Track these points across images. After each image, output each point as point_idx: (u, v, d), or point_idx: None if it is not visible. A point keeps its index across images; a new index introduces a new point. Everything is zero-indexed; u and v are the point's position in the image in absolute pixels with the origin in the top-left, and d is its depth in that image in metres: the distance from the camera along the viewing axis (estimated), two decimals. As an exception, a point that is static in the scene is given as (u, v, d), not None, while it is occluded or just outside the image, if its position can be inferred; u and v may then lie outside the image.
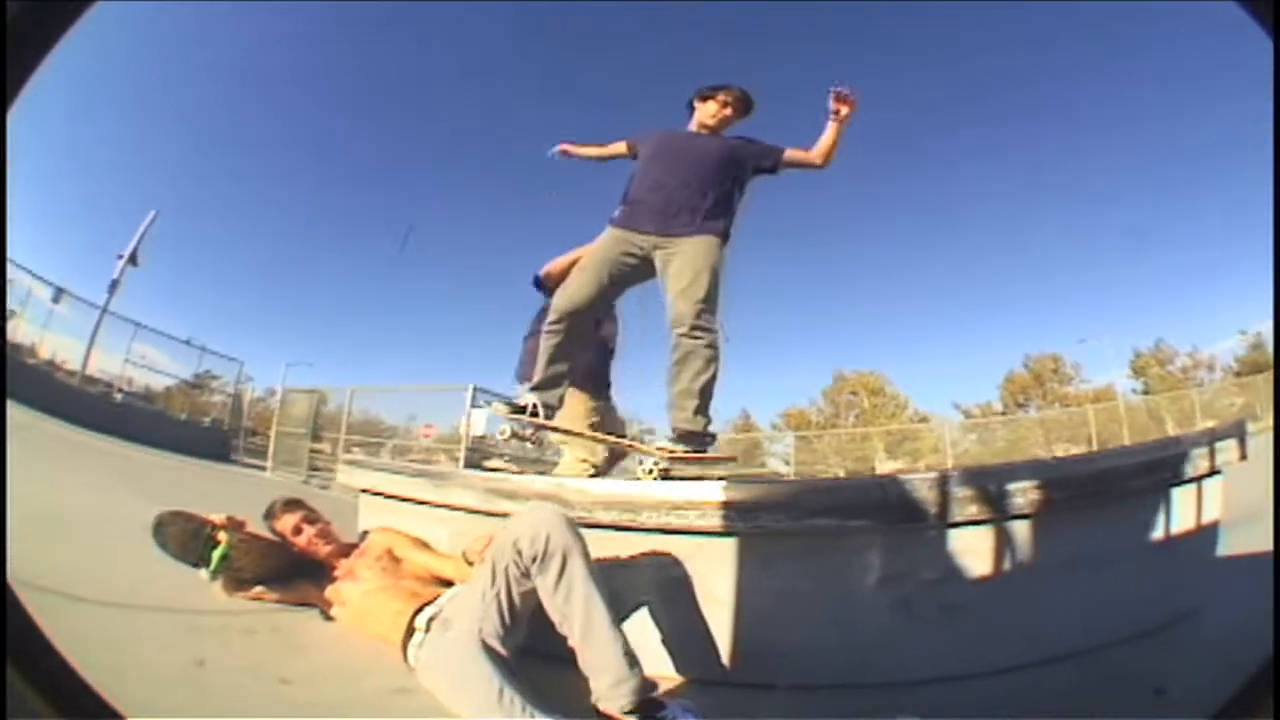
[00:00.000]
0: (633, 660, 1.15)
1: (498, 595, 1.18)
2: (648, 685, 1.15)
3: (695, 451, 1.82)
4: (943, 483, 1.28)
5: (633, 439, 2.20)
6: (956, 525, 1.33)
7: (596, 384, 2.39)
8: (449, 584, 1.46)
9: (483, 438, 6.68)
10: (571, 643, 1.18)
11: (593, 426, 2.25)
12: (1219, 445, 1.57)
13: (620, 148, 2.31)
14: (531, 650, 1.27)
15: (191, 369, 8.96)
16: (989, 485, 1.29)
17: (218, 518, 1.56)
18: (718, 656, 1.34)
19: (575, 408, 2.26)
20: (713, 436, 1.92)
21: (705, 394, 1.88)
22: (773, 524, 1.25)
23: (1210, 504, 1.60)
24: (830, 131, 2.04)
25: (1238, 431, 1.62)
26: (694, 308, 1.86)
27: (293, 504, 1.65)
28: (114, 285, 8.76)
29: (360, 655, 1.45)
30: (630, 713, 1.11)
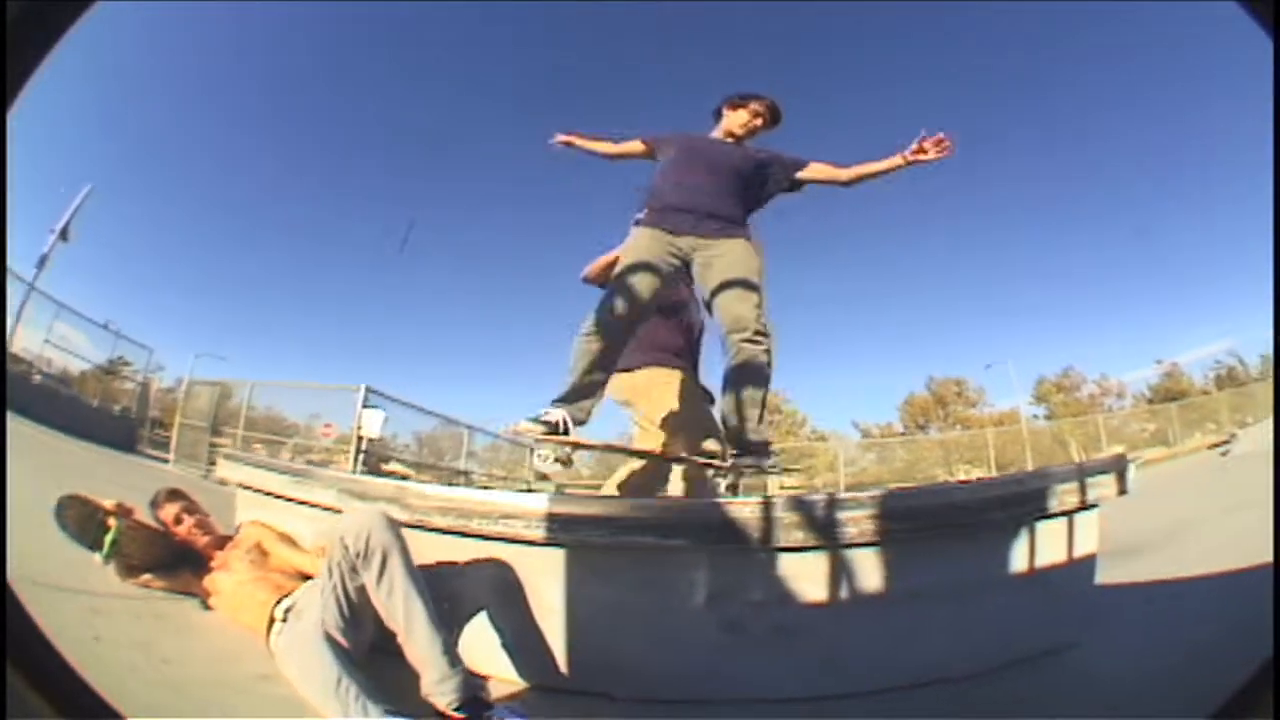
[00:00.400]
0: (454, 658, 1.39)
1: (334, 589, 1.44)
2: (471, 684, 1.39)
3: (770, 466, 2.07)
4: (767, 509, 1.50)
5: (705, 453, 2.34)
6: (792, 550, 1.54)
7: (696, 369, 2.67)
8: (310, 578, 1.70)
9: (377, 439, 7.30)
10: (399, 639, 1.42)
11: (704, 413, 2.50)
12: (1094, 480, 1.76)
13: (635, 146, 2.56)
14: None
15: (106, 354, 9.49)
16: (815, 514, 1.50)
17: (109, 503, 1.85)
18: (555, 664, 1.58)
19: (693, 401, 2.50)
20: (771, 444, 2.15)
21: (765, 403, 2.12)
22: (594, 538, 1.50)
23: (1085, 538, 1.79)
24: (888, 164, 2.28)
25: (1116, 466, 1.81)
26: (755, 312, 2.10)
27: (175, 494, 1.96)
28: (43, 261, 9.61)
29: (234, 643, 1.72)
30: (458, 709, 1.35)
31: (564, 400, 2.13)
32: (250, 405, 9.22)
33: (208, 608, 1.90)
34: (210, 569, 1.87)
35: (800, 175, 2.43)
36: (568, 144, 2.58)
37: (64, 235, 8.83)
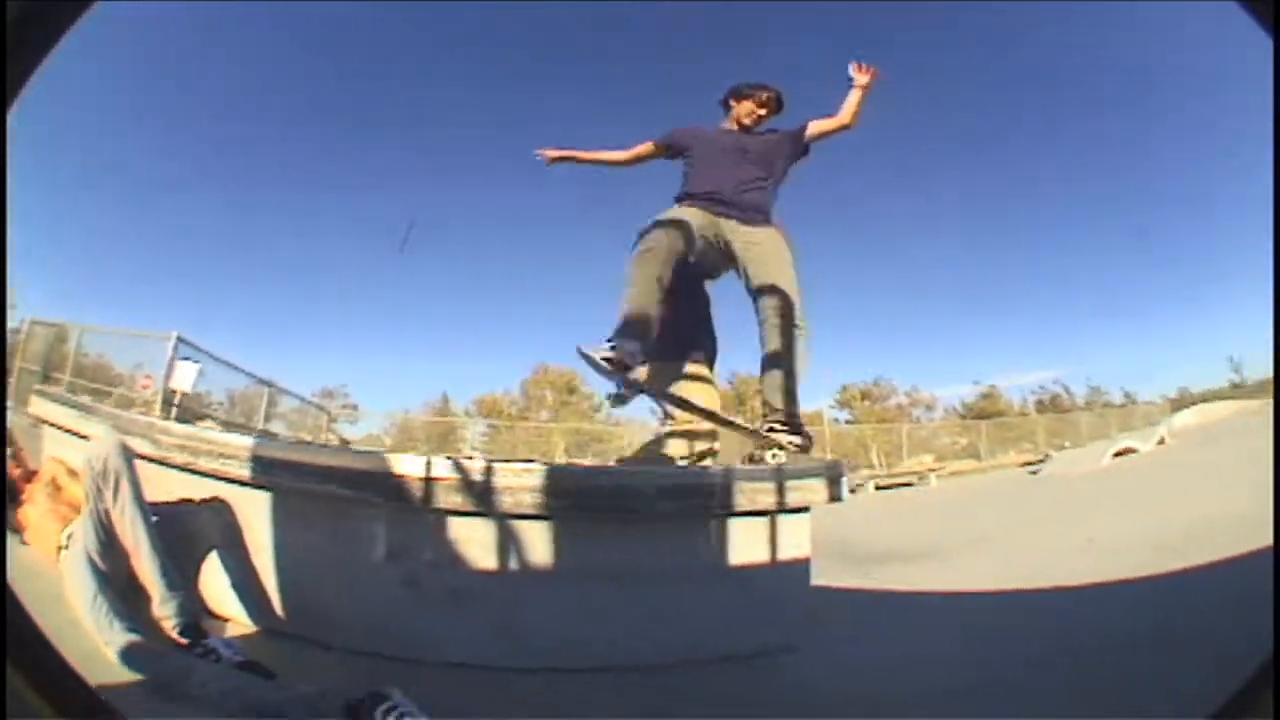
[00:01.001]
0: (173, 582, 1.78)
1: (91, 513, 1.86)
2: (189, 610, 1.79)
3: (806, 445, 2.68)
4: (429, 468, 1.84)
5: (757, 429, 2.80)
6: (456, 514, 1.89)
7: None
8: (92, 508, 2.20)
9: (190, 394, 7.73)
10: (132, 562, 1.82)
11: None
12: (799, 484, 2.04)
13: (645, 148, 3.25)
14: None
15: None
16: (474, 479, 1.84)
17: None
18: (272, 607, 1.96)
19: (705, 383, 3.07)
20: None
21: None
22: (288, 482, 1.90)
23: (792, 541, 2.06)
24: (855, 95, 3.01)
25: (829, 472, 2.09)
26: (798, 300, 2.78)
27: None
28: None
29: (40, 568, 2.15)
30: (180, 633, 1.76)
31: (625, 333, 2.63)
32: (83, 351, 10.06)
33: (24, 542, 2.31)
34: (21, 503, 2.47)
35: (809, 138, 3.12)
36: (563, 159, 3.26)
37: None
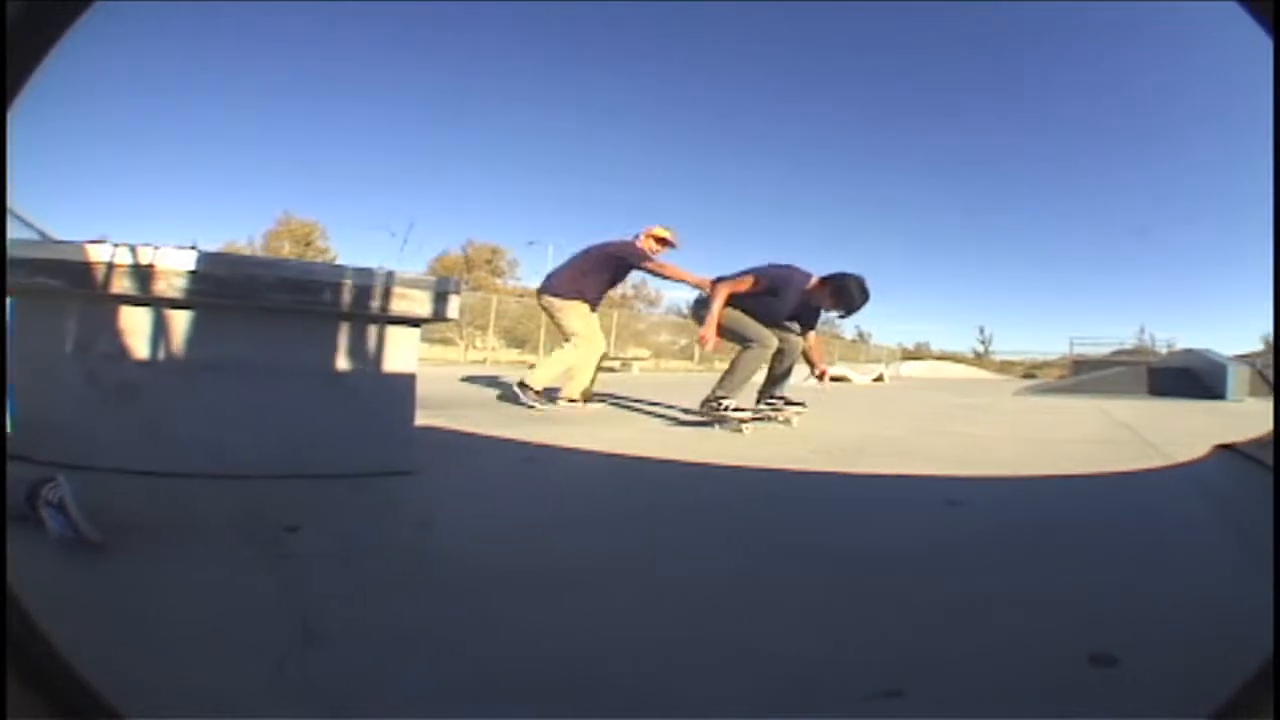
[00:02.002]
0: None
1: None
2: None
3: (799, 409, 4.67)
4: (113, 253, 2.12)
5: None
6: (124, 301, 2.16)
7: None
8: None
9: None
10: None
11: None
12: (407, 293, 2.25)
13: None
14: None
15: None
16: (138, 263, 2.10)
17: None
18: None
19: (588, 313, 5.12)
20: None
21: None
22: (19, 279, 2.12)
23: (400, 354, 2.30)
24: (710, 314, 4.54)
25: (439, 287, 2.33)
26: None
27: None
28: None
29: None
30: None
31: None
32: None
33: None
34: None
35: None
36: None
37: None
